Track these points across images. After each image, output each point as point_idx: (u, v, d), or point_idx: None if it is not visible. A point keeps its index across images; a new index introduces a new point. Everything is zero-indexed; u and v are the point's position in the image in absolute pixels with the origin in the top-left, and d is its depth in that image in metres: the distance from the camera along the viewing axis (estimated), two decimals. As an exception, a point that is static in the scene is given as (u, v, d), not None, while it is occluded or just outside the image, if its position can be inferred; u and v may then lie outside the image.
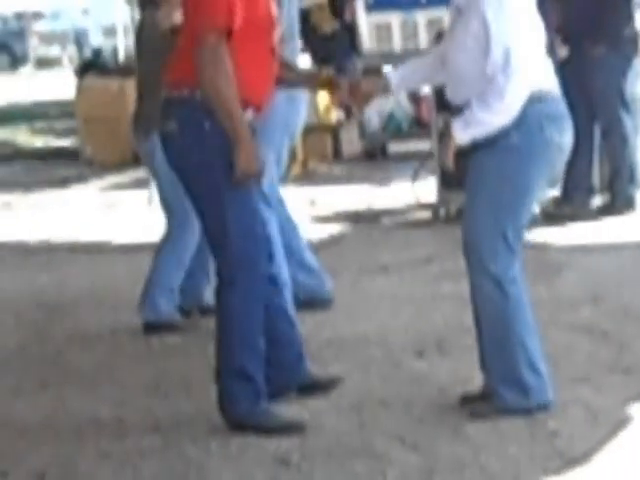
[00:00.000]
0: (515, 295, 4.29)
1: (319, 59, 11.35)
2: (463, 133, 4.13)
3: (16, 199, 11.49)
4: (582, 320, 5.84)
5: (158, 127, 4.76)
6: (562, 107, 4.32)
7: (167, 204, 6.05)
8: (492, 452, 4.01)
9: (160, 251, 6.12)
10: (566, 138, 4.27)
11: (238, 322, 4.29)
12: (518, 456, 3.94)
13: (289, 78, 4.96)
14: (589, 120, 8.00)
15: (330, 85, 5.03)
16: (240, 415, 4.29)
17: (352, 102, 4.94)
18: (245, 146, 4.06)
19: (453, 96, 4.39)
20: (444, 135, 4.25)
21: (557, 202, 8.23)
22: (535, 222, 7.58)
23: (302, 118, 6.16)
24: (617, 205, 8.06)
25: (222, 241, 4.28)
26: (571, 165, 7.78)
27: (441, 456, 4.01)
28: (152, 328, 6.01)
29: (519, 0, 4.15)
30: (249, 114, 4.28)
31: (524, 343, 4.30)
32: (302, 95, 6.02)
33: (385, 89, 4.63)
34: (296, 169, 10.68)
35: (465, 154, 4.35)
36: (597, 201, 8.34)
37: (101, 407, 4.97)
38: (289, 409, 4.56)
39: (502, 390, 4.33)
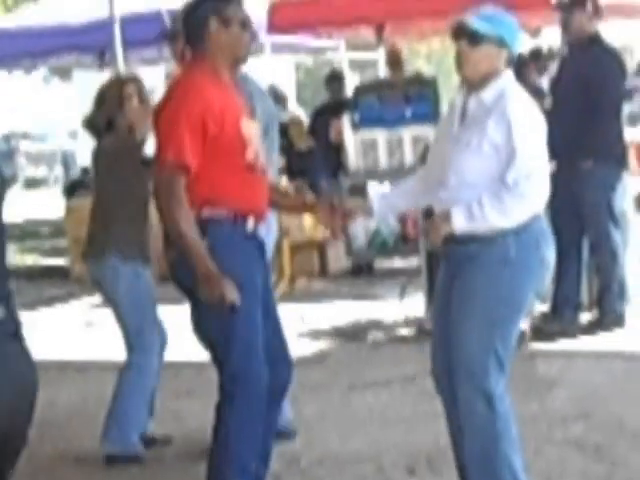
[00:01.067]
0: (504, 412, 4.18)
1: (294, 175, 11.45)
2: (464, 222, 4.06)
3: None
4: (574, 436, 5.69)
5: (114, 252, 5.15)
6: (546, 223, 4.38)
7: (126, 331, 5.81)
8: None
9: (124, 376, 5.86)
10: (553, 254, 4.25)
11: (234, 439, 4.20)
12: None
13: (277, 201, 4.93)
14: (578, 235, 8.00)
15: (314, 208, 4.99)
16: None
17: (333, 224, 4.76)
18: (203, 272, 4.01)
19: (453, 204, 4.16)
20: (431, 217, 4.26)
21: (546, 318, 8.14)
22: (525, 339, 7.70)
23: (275, 237, 6.10)
24: (606, 322, 7.94)
25: (225, 357, 4.20)
26: (560, 280, 7.98)
27: None
28: (117, 459, 5.71)
29: (537, 116, 4.21)
30: (250, 223, 4.29)
31: (510, 460, 4.17)
32: (272, 215, 5.84)
33: (368, 212, 4.61)
34: (284, 286, 10.73)
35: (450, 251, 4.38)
36: (586, 317, 8.23)
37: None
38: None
39: None
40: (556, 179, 7.67)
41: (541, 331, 7.93)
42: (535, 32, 13.34)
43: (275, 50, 13.12)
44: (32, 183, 31.48)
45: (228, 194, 4.23)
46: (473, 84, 4.27)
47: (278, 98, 6.60)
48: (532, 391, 6.64)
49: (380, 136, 8.46)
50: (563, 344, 7.79)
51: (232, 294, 4.08)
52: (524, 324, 7.74)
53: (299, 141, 12.08)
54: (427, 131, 8.30)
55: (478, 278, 4.17)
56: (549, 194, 7.92)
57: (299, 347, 8.15)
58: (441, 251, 4.50)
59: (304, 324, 9.26)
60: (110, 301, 6.04)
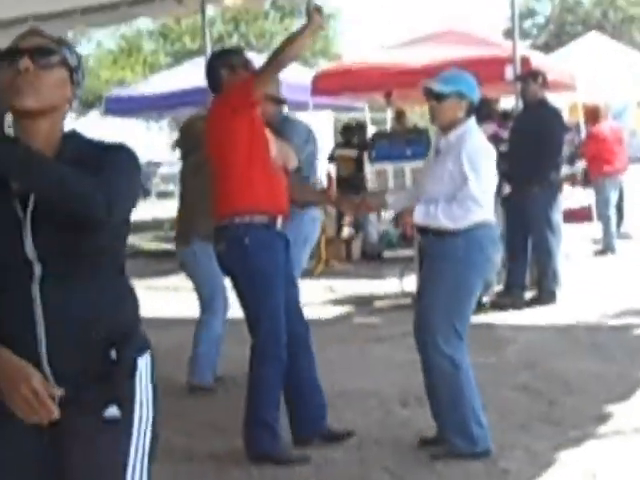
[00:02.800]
0: (465, 369, 4.01)
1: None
2: (421, 217, 3.95)
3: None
4: (521, 382, 5.35)
5: (196, 238, 5.04)
6: (496, 232, 4.19)
7: (201, 298, 5.60)
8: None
9: (200, 329, 5.62)
10: (498, 255, 4.35)
11: (266, 386, 3.95)
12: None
13: (303, 198, 4.79)
14: (524, 238, 7.67)
15: (342, 201, 5.05)
16: (262, 452, 3.93)
17: (358, 212, 4.98)
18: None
19: (423, 216, 4.01)
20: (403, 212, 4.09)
21: (500, 295, 7.78)
22: (485, 308, 7.35)
23: (317, 233, 5.92)
24: (543, 298, 7.63)
25: (256, 326, 3.97)
26: (511, 268, 7.81)
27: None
28: (197, 389, 5.53)
29: (486, 158, 3.95)
30: (279, 223, 4.04)
31: (472, 404, 4.02)
32: (319, 216, 5.80)
33: (383, 205, 4.44)
34: (321, 267, 10.57)
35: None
36: (528, 295, 7.83)
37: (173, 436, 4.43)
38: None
39: (455, 440, 4.02)
40: (511, 199, 7.66)
41: (497, 304, 7.59)
42: (495, 101, 13.20)
43: (317, 107, 12.60)
44: (163, 195, 31.83)
45: (264, 202, 3.97)
46: (444, 129, 4.10)
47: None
48: (491, 348, 6.26)
49: (389, 167, 8.37)
50: (513, 314, 7.38)
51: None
52: (485, 298, 7.54)
53: (346, 171, 11.94)
54: (421, 165, 8.21)
55: (436, 269, 4.07)
56: (506, 209, 7.53)
57: (328, 310, 8.14)
58: (420, 245, 4.54)
59: (332, 293, 9.09)
60: (191, 276, 5.77)
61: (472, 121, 4.13)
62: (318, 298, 8.62)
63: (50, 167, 1.95)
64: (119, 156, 2.11)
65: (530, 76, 7.70)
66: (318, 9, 3.96)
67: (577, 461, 4.02)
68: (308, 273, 10.09)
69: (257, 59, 13.39)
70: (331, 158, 12.71)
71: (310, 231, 5.74)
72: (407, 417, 4.81)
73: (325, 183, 13.58)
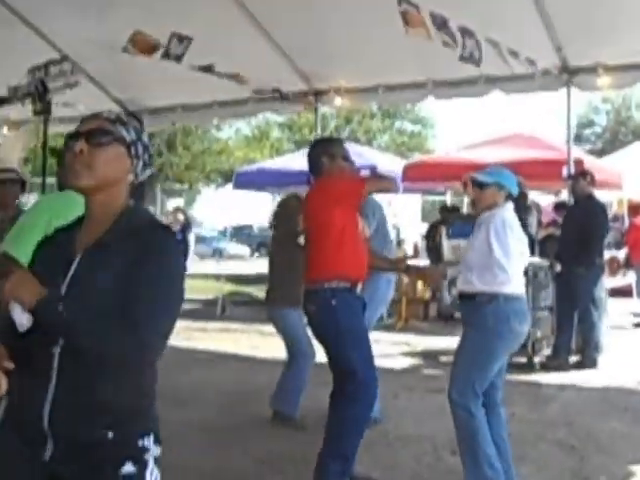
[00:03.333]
0: (479, 419, 3.84)
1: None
2: (460, 284, 3.98)
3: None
4: (558, 437, 5.20)
5: (287, 303, 5.04)
6: (525, 305, 3.98)
7: (288, 347, 5.60)
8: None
9: (289, 370, 5.62)
10: (525, 327, 3.91)
11: (354, 427, 3.89)
12: None
13: (378, 265, 4.65)
14: (571, 310, 7.58)
15: (410, 270, 4.80)
16: None
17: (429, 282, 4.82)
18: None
19: (463, 282, 4.03)
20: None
21: (549, 358, 7.67)
22: (535, 369, 7.34)
23: (391, 293, 5.89)
24: (586, 363, 7.53)
25: (354, 369, 3.85)
26: (558, 335, 7.70)
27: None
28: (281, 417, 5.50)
29: (511, 236, 3.89)
30: (358, 288, 4.02)
31: (484, 449, 3.82)
32: (393, 278, 5.76)
33: (444, 276, 4.68)
34: (401, 323, 10.58)
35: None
36: (573, 359, 7.72)
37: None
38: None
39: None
40: (561, 276, 7.62)
41: (545, 366, 7.51)
42: (556, 192, 13.43)
43: (406, 191, 12.56)
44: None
45: (348, 270, 3.96)
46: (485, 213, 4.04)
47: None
48: (535, 404, 6.21)
49: (462, 243, 8.39)
50: (559, 375, 7.25)
51: None
52: (536, 359, 7.59)
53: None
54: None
55: (467, 335, 3.96)
56: (557, 285, 7.45)
57: (402, 361, 8.11)
58: None
59: (407, 347, 9.01)
60: (280, 331, 5.67)
61: (508, 205, 4.05)
62: (395, 350, 8.60)
63: (88, 327, 1.82)
64: (161, 260, 1.94)
65: (580, 175, 7.73)
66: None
67: None
68: (390, 328, 10.34)
69: (363, 151, 13.90)
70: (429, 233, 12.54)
71: (385, 291, 5.68)
72: (454, 464, 4.48)
73: (412, 251, 13.80)
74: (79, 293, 1.87)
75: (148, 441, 1.93)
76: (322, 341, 4.07)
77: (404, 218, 15.83)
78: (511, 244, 3.91)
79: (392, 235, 6.52)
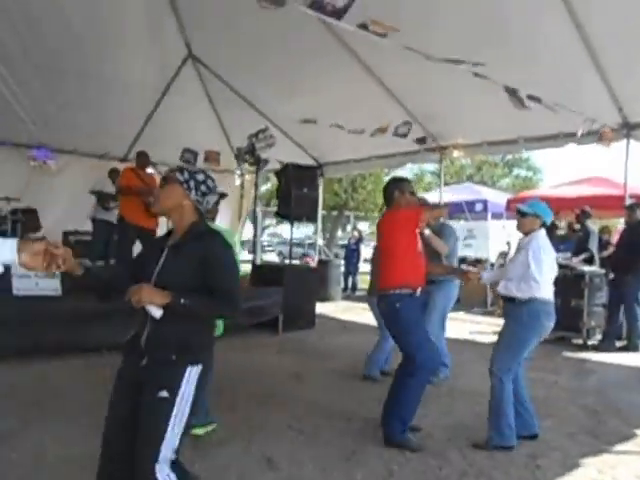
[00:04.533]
0: (507, 389, 3.70)
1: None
2: (502, 288, 3.77)
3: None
4: (585, 403, 4.80)
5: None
6: (552, 307, 3.68)
7: (379, 325, 5.32)
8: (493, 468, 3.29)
9: (378, 345, 5.39)
10: (551, 323, 3.65)
11: (411, 396, 3.68)
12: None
13: (439, 271, 4.43)
14: (618, 306, 7.10)
15: (457, 273, 4.50)
16: (396, 440, 3.67)
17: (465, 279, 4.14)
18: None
19: (503, 288, 3.81)
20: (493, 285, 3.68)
21: (600, 342, 7.19)
22: (587, 349, 6.90)
23: (457, 291, 5.45)
24: (630, 347, 6.97)
25: (413, 354, 3.66)
26: (609, 325, 7.22)
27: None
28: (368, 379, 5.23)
29: (545, 255, 3.66)
30: (418, 293, 3.79)
31: (506, 412, 3.68)
32: (458, 283, 5.34)
33: (480, 279, 4.05)
34: (499, 311, 9.43)
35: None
36: (620, 344, 7.17)
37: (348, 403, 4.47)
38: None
39: (492, 434, 3.71)
40: (614, 282, 7.19)
41: (596, 347, 7.07)
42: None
43: (509, 218, 11.77)
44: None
45: (410, 280, 3.78)
46: (525, 235, 3.81)
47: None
48: (578, 375, 5.75)
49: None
50: (605, 355, 6.76)
51: None
52: (590, 342, 7.14)
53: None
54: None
55: (507, 326, 3.76)
56: (610, 288, 7.09)
57: (491, 338, 7.63)
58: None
59: (498, 328, 7.81)
60: (375, 314, 5.29)
61: (542, 231, 3.80)
62: (489, 330, 8.10)
63: (202, 309, 2.20)
64: (222, 256, 2.26)
65: (634, 205, 7.25)
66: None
67: (595, 465, 3.52)
68: (491, 314, 9.96)
69: (481, 190, 13.67)
70: None
71: (455, 292, 5.43)
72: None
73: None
74: (166, 273, 2.23)
75: (192, 367, 2.19)
76: (390, 332, 3.90)
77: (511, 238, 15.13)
78: (544, 261, 3.68)
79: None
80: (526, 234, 3.82)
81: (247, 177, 11.66)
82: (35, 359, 5.32)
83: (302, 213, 7.66)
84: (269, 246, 28.80)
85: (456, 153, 8.74)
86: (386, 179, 27.24)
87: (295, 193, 7.46)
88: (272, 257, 24.51)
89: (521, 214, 3.83)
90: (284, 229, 30.35)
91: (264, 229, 26.40)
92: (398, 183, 3.99)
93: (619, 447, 3.84)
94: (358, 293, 12.87)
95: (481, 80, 5.28)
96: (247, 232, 25.99)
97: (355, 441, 3.75)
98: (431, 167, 24.14)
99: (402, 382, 3.68)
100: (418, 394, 3.70)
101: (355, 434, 3.88)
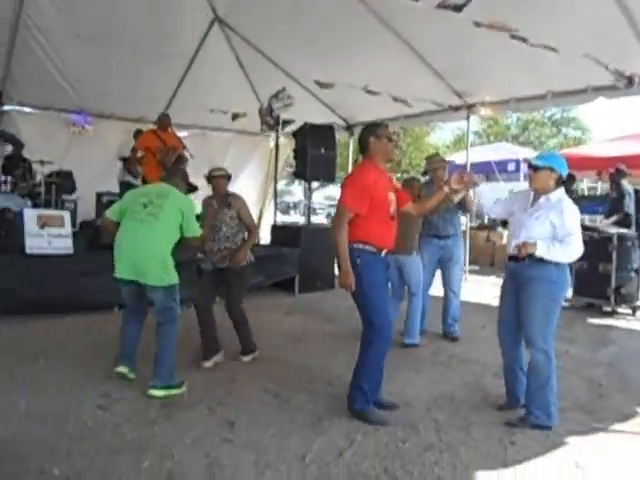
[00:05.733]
0: (553, 362, 3.32)
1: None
2: (544, 250, 3.22)
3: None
4: (592, 375, 4.30)
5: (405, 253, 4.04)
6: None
7: (409, 285, 5.03)
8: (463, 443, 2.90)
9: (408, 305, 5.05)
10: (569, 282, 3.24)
11: (368, 363, 3.29)
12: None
13: (433, 204, 3.66)
14: None
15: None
16: (355, 408, 3.34)
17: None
18: (342, 268, 3.19)
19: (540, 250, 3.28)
20: (526, 244, 3.21)
21: (634, 309, 6.50)
22: (616, 317, 6.32)
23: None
24: None
25: (370, 319, 3.28)
26: None
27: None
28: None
29: (578, 216, 3.25)
30: (383, 253, 3.34)
31: (554, 389, 3.33)
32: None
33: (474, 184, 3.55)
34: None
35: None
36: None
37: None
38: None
39: (537, 412, 3.32)
40: None
41: (612, 314, 6.45)
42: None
43: None
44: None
45: (374, 237, 3.31)
46: (539, 192, 3.36)
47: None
48: (595, 345, 5.19)
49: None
50: (634, 324, 6.13)
51: (351, 284, 3.21)
52: (620, 309, 6.53)
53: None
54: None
55: (539, 288, 3.25)
56: None
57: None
58: (510, 269, 3.47)
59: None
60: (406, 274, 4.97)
61: (562, 190, 3.38)
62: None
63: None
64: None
65: None
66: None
67: (579, 445, 3.09)
68: None
69: (514, 149, 12.87)
70: None
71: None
72: (489, 384, 4.03)
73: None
74: None
75: None
76: (356, 291, 3.33)
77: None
78: (579, 228, 3.31)
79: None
80: (540, 191, 3.40)
81: (282, 140, 11.35)
82: (45, 316, 5.38)
83: (318, 173, 7.33)
84: (321, 208, 28.57)
85: (483, 111, 8.12)
86: (428, 139, 26.45)
87: (311, 153, 7.12)
88: (321, 219, 24.27)
89: (534, 168, 3.39)
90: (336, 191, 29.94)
91: (313, 191, 25.99)
92: (373, 128, 3.45)
93: (613, 426, 3.39)
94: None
95: (507, 36, 4.99)
96: (299, 194, 25.72)
97: (327, 408, 3.52)
98: (472, 127, 22.90)
99: (362, 350, 3.34)
100: (378, 363, 3.33)
101: (330, 400, 3.65)
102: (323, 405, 3.55)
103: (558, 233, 3.27)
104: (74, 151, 9.08)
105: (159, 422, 3.20)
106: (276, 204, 8.67)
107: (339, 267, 3.24)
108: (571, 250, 3.27)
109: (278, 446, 2.97)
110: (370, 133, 3.42)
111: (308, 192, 7.93)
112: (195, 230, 3.79)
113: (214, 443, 2.97)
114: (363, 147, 3.45)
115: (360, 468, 2.76)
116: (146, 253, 3.55)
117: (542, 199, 3.37)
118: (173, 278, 3.61)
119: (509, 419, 3.38)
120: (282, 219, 12.85)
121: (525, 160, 4.66)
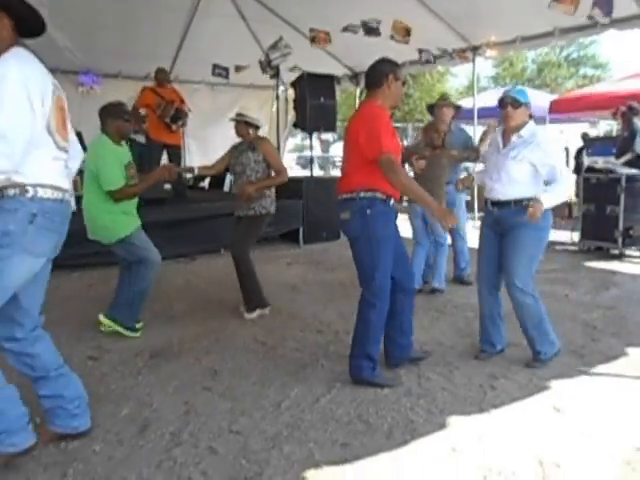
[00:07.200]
0: (539, 301, 3.21)
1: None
2: (550, 202, 3.00)
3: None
4: (588, 318, 4.10)
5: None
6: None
7: (432, 232, 4.81)
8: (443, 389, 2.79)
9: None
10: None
11: (372, 328, 2.98)
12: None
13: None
14: None
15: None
16: (364, 377, 3.02)
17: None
18: (434, 206, 2.79)
19: (504, 193, 3.17)
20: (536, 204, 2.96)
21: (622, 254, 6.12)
22: (623, 260, 6.07)
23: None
24: None
25: (372, 275, 2.95)
26: None
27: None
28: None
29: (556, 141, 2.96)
30: (391, 202, 2.99)
31: (547, 324, 3.25)
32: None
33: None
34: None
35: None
36: None
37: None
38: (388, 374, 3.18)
39: (543, 348, 3.25)
40: None
41: (620, 257, 6.14)
42: None
43: (552, 122, 11.00)
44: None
45: (383, 184, 2.89)
46: (512, 129, 3.17)
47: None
48: (597, 289, 4.92)
49: (599, 160, 7.38)
50: (631, 265, 5.82)
51: (452, 217, 2.81)
52: (628, 251, 6.24)
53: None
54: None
55: (527, 234, 3.09)
56: None
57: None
58: (494, 215, 3.26)
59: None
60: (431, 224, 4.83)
61: (532, 123, 3.21)
62: None
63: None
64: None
65: None
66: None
67: (561, 390, 2.94)
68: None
69: (536, 95, 12.25)
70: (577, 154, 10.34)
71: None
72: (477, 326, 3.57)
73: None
74: None
75: None
76: (353, 247, 3.06)
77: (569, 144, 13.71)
78: (561, 157, 3.19)
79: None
80: (514, 128, 3.22)
81: (290, 92, 11.01)
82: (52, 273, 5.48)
83: (319, 124, 7.04)
84: (340, 161, 28.16)
85: (489, 52, 7.65)
86: (436, 87, 25.11)
87: (311, 103, 6.82)
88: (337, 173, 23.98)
89: (515, 105, 3.19)
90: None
91: (330, 145, 25.47)
92: (394, 66, 3.02)
93: (601, 368, 3.23)
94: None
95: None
96: (318, 149, 25.25)
97: (312, 355, 3.44)
98: (486, 71, 21.87)
99: (362, 316, 3.03)
100: (380, 324, 3.06)
101: (317, 347, 3.57)
102: (309, 353, 3.47)
103: (541, 170, 3.13)
104: (83, 112, 8.88)
105: (144, 372, 3.17)
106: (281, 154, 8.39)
107: (431, 211, 2.85)
108: (564, 185, 3.12)
109: (257, 393, 2.91)
110: (391, 70, 2.99)
111: (309, 142, 7.66)
112: (109, 183, 3.29)
113: (194, 391, 2.93)
114: (376, 82, 3.00)
115: (334, 414, 2.68)
116: (87, 215, 3.47)
117: (514, 137, 3.21)
118: (116, 234, 3.41)
119: (528, 363, 3.28)
120: (301, 173, 12.59)
121: (557, 109, 4.33)
